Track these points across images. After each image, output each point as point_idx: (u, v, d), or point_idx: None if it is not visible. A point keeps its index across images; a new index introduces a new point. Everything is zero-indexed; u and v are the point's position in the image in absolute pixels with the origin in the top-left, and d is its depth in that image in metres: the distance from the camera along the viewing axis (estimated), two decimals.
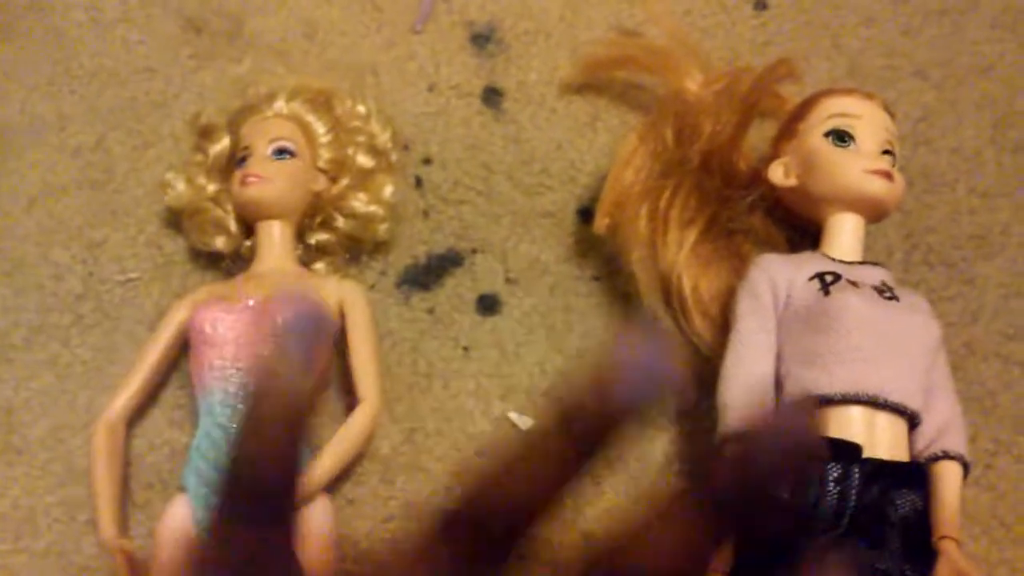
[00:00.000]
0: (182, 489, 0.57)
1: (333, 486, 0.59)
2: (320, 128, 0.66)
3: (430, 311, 0.68)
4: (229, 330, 0.58)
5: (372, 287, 0.68)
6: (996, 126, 0.74)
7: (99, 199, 0.72)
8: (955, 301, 0.67)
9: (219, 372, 0.58)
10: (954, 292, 0.68)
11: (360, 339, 0.61)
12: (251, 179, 0.63)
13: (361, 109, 0.69)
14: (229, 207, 0.66)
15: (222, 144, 0.67)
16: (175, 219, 0.70)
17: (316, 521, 0.55)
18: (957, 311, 0.67)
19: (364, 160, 0.67)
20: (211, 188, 0.67)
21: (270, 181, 0.63)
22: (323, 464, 0.56)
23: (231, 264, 0.67)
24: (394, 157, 0.70)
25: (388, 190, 0.67)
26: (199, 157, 0.68)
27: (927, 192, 0.72)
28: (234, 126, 0.67)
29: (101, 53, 0.78)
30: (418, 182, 0.72)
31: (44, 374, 0.65)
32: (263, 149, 0.64)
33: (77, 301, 0.68)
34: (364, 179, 0.67)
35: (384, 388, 0.62)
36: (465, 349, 0.66)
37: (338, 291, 0.62)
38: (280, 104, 0.66)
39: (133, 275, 0.69)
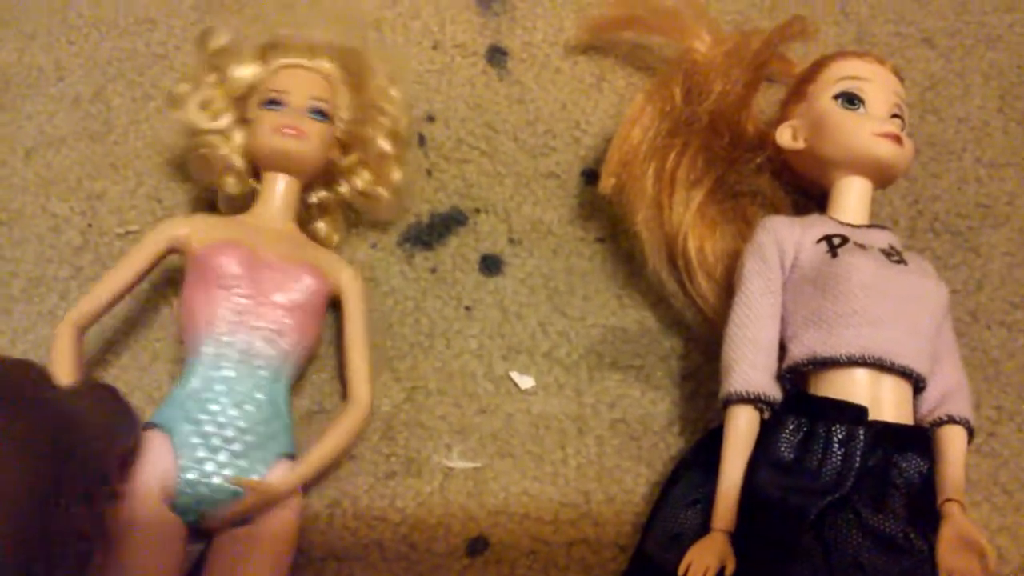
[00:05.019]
0: (158, 427, 0.54)
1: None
2: (351, 101, 0.65)
3: (432, 270, 0.67)
4: (234, 278, 0.57)
5: (374, 245, 0.68)
6: (1003, 96, 0.74)
7: (98, 151, 0.71)
8: (960, 269, 0.67)
9: (222, 320, 0.57)
10: (959, 260, 0.67)
11: (354, 333, 0.61)
12: (290, 131, 0.61)
13: (394, 93, 0.67)
14: (238, 143, 0.63)
15: (247, 71, 0.63)
16: (177, 165, 0.69)
17: (284, 517, 0.55)
18: (962, 279, 0.66)
19: (383, 144, 0.66)
20: (224, 120, 0.63)
21: (308, 139, 0.61)
22: (309, 463, 0.56)
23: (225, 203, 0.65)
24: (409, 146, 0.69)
25: (396, 175, 0.66)
26: (212, 76, 0.64)
27: (933, 160, 0.71)
28: (267, 60, 0.64)
29: (100, 3, 0.76)
30: (421, 140, 0.71)
31: (42, 326, 0.64)
32: (302, 102, 0.62)
33: (76, 253, 0.67)
34: (377, 160, 0.66)
35: (386, 348, 0.62)
36: (467, 309, 0.66)
37: (337, 273, 0.61)
38: (323, 62, 0.64)
39: (132, 228, 0.68)
